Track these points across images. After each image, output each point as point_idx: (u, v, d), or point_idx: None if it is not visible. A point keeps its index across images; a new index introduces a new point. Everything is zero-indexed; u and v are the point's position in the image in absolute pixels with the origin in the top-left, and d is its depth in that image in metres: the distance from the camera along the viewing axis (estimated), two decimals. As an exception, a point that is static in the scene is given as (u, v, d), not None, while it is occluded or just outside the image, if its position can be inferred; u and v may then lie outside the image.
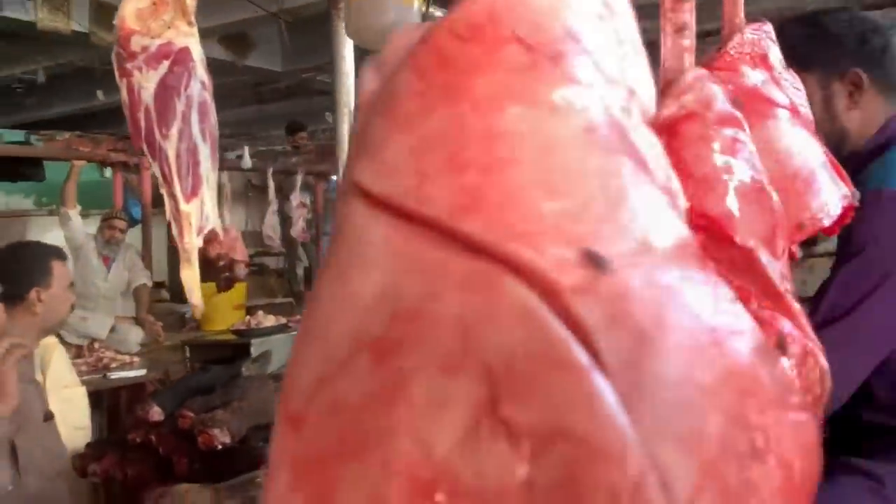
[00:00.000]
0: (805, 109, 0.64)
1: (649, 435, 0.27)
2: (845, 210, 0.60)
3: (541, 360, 0.24)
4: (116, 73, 1.35)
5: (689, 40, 0.49)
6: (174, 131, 1.34)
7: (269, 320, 4.81)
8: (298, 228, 5.35)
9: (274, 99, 6.15)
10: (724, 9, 0.66)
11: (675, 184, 0.32)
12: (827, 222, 0.58)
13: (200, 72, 1.38)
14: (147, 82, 1.38)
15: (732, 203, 0.44)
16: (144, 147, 1.33)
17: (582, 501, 0.24)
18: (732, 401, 0.32)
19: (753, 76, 0.62)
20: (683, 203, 0.33)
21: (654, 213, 0.27)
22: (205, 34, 1.49)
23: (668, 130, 0.47)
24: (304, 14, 3.92)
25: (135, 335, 4.16)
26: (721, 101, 0.46)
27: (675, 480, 0.27)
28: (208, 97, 1.39)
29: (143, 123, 1.32)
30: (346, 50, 1.76)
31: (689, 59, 0.49)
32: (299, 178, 5.39)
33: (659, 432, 0.28)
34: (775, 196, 0.47)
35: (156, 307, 5.08)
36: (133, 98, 1.37)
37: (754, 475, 0.31)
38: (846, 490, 0.98)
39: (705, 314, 0.30)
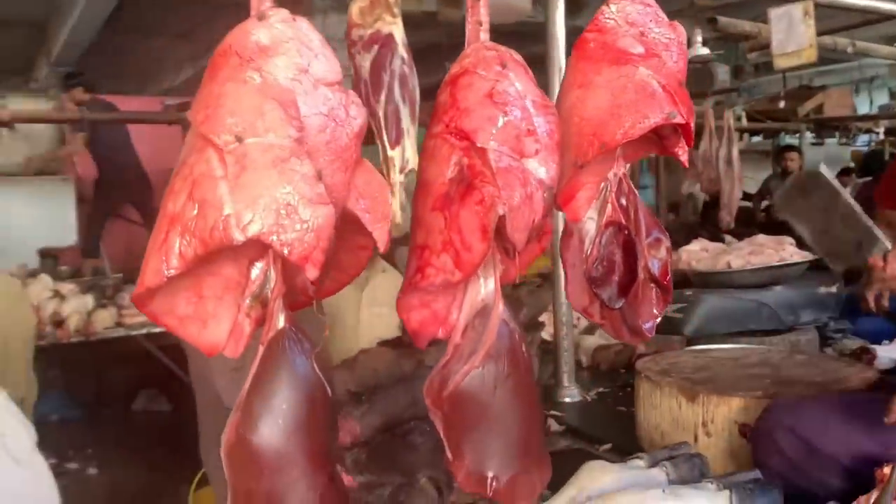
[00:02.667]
0: (665, 53, 0.85)
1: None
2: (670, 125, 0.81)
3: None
4: (348, 57, 1.87)
5: (485, 32, 0.78)
6: (382, 97, 1.82)
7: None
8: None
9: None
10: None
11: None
12: (638, 133, 0.80)
13: (401, 51, 1.83)
14: (364, 62, 1.87)
15: (478, 122, 0.73)
16: (366, 108, 1.83)
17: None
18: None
19: (614, 33, 0.85)
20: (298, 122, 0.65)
21: (272, 121, 0.61)
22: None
23: (451, 81, 0.78)
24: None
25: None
26: (488, 62, 0.75)
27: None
28: (407, 70, 1.84)
29: (363, 92, 1.83)
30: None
31: (484, 37, 0.78)
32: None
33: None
34: (528, 120, 0.74)
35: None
36: (357, 74, 1.88)
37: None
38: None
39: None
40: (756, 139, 9.52)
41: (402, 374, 1.51)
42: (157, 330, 4.13)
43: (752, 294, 2.48)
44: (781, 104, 7.19)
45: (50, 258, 5.52)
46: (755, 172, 8.01)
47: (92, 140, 5.54)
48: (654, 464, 1.22)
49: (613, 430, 1.97)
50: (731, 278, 2.56)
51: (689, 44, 4.22)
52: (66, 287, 4.20)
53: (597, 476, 1.15)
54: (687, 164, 0.87)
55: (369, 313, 2.69)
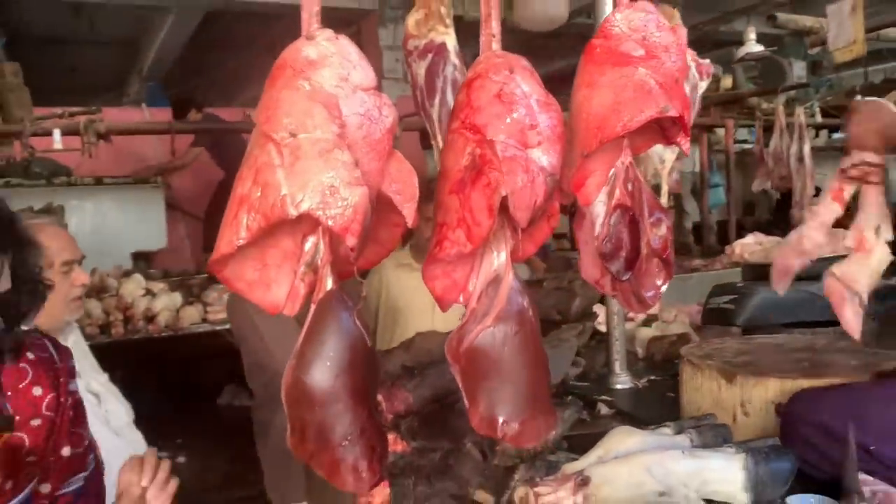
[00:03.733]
0: (664, 55, 0.97)
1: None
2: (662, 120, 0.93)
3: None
4: (405, 65, 2.03)
5: (497, 42, 0.92)
6: (436, 101, 1.98)
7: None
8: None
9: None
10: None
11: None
12: (635, 125, 0.92)
13: (453, 58, 1.98)
14: (419, 69, 2.03)
15: (487, 118, 0.86)
16: (421, 112, 1.98)
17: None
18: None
19: (618, 39, 0.97)
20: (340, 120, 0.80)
21: (319, 120, 0.76)
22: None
23: (467, 84, 0.92)
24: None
25: (521, 272, 5.02)
26: (498, 68, 0.88)
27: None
28: (458, 75, 1.98)
29: (418, 97, 1.98)
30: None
31: (494, 45, 0.92)
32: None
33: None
34: (532, 116, 0.87)
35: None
36: (414, 81, 2.04)
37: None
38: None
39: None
40: (837, 136, 9.26)
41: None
42: (239, 325, 4.39)
43: (804, 285, 2.51)
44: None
45: (142, 260, 5.93)
46: (834, 169, 7.80)
47: (216, 147, 6.07)
48: (680, 431, 1.33)
49: (660, 413, 2.05)
50: (784, 270, 2.59)
51: (743, 41, 4.22)
52: (157, 286, 4.52)
53: (623, 439, 1.26)
54: (688, 153, 0.98)
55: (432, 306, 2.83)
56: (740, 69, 6.25)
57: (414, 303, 2.82)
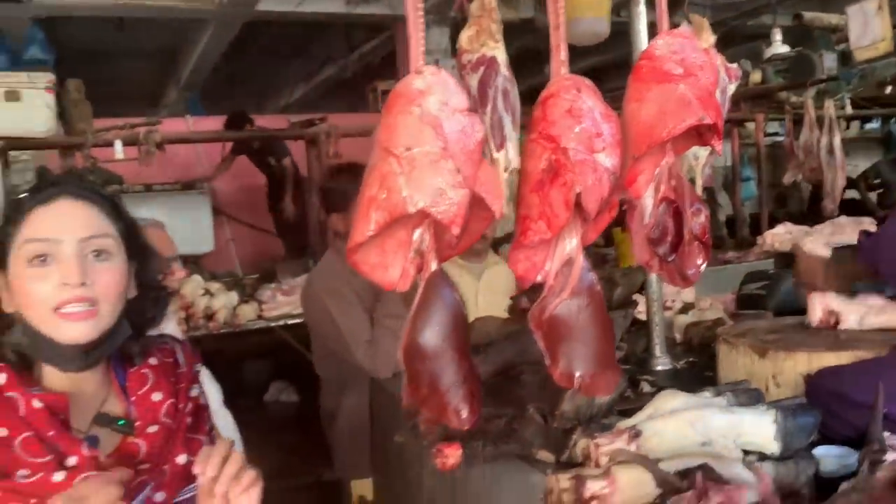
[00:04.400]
0: (700, 73, 1.16)
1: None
2: (699, 126, 1.13)
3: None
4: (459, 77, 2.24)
5: (565, 67, 1.12)
6: (488, 110, 2.19)
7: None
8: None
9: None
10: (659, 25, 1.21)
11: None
12: (677, 132, 1.12)
13: (503, 70, 2.18)
14: (472, 81, 2.23)
15: (561, 130, 1.07)
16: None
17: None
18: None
19: (660, 60, 1.17)
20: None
21: (428, 137, 0.97)
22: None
23: (542, 102, 1.12)
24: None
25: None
26: (567, 88, 1.09)
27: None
28: (508, 85, 2.19)
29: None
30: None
31: (563, 70, 1.12)
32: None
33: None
34: (597, 126, 1.07)
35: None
36: (467, 92, 2.24)
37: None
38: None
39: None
40: (870, 126, 9.29)
41: (509, 333, 1.86)
42: (292, 322, 4.66)
43: (831, 271, 2.68)
44: (888, 90, 7.09)
45: (191, 263, 6.23)
46: (867, 160, 7.88)
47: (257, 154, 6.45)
48: (718, 394, 1.52)
49: (699, 389, 2.23)
50: (812, 257, 2.76)
51: (769, 42, 4.36)
52: (215, 286, 4.79)
53: (669, 400, 1.46)
54: (721, 154, 1.18)
55: (484, 299, 3.06)
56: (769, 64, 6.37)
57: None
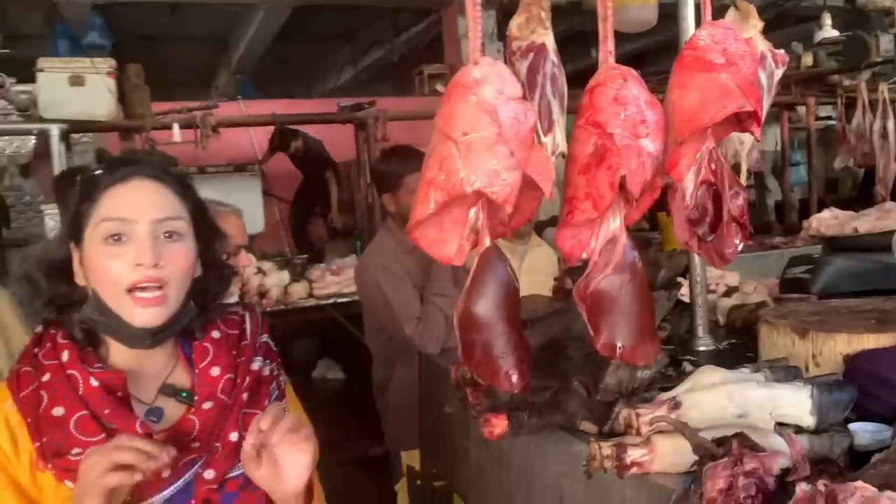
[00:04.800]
0: (741, 62, 1.22)
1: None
2: (739, 113, 1.19)
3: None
4: (508, 63, 2.31)
5: (612, 56, 1.19)
6: (536, 95, 2.26)
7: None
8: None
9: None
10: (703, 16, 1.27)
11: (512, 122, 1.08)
12: (718, 118, 1.18)
13: (552, 56, 2.25)
14: (521, 67, 2.30)
15: (607, 116, 1.14)
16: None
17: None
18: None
19: (703, 50, 1.24)
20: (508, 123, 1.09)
21: (484, 123, 1.05)
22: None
23: (589, 91, 1.20)
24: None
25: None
26: (614, 77, 1.16)
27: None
28: (556, 71, 2.25)
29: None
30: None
31: (610, 60, 1.19)
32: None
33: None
34: (641, 114, 1.14)
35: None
36: (516, 77, 2.31)
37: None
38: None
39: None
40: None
41: (555, 309, 1.94)
42: (342, 300, 4.80)
43: (877, 256, 2.69)
44: (946, 72, 6.91)
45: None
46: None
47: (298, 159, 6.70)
48: (756, 370, 1.59)
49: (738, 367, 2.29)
50: (858, 242, 2.78)
51: (820, 26, 4.30)
52: (267, 265, 4.96)
53: (708, 374, 1.53)
54: (759, 138, 1.24)
55: (528, 279, 3.13)
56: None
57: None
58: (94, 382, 1.16)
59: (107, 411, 1.14)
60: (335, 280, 4.88)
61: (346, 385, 6.87)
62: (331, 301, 4.86)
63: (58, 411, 1.13)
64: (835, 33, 4.28)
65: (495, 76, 1.09)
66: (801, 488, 1.07)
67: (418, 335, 2.55)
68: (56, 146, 4.60)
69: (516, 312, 1.12)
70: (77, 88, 4.58)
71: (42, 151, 5.21)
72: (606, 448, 1.43)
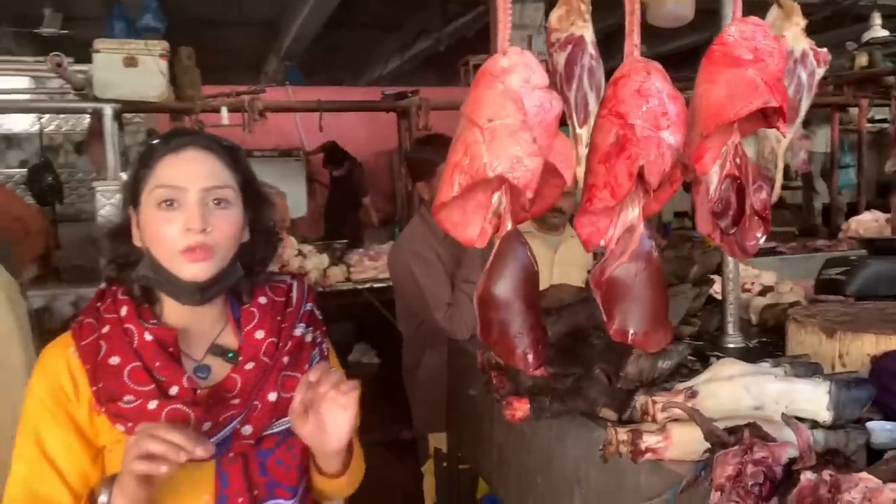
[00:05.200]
0: (769, 59, 1.24)
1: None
2: (766, 109, 1.21)
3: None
4: (547, 54, 2.33)
5: (637, 50, 1.22)
6: (573, 86, 2.28)
7: (758, 243, 5.40)
8: (799, 160, 5.63)
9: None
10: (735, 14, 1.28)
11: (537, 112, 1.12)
12: (744, 113, 1.20)
13: (590, 49, 2.26)
14: (560, 59, 2.32)
15: (629, 108, 1.17)
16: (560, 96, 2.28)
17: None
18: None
19: (732, 45, 1.25)
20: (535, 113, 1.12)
21: (509, 111, 1.09)
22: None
23: (613, 82, 1.23)
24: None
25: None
26: (638, 70, 1.19)
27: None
28: (594, 63, 2.27)
29: (557, 83, 2.29)
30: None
31: (636, 53, 1.22)
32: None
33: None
34: (663, 106, 1.17)
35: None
36: (554, 69, 2.34)
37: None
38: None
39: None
40: None
41: (581, 299, 1.97)
42: (378, 285, 4.88)
43: (916, 259, 2.65)
44: None
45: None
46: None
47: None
48: (776, 365, 1.60)
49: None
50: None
51: (868, 26, 4.20)
52: (307, 247, 5.06)
53: (727, 366, 1.55)
54: (785, 133, 1.25)
55: (559, 270, 3.17)
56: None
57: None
58: (147, 337, 1.26)
59: (158, 364, 1.25)
60: (373, 265, 4.96)
61: (381, 370, 6.96)
62: (367, 286, 4.95)
63: (114, 360, 1.24)
64: (885, 33, 4.18)
65: (522, 65, 1.13)
66: (806, 476, 1.09)
67: (448, 321, 2.60)
68: (109, 125, 4.75)
69: (534, 295, 1.16)
70: (130, 69, 4.71)
71: (96, 130, 5.38)
72: (622, 433, 1.46)
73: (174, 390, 1.24)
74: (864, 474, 1.07)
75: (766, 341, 2.68)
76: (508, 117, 1.10)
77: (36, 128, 6.34)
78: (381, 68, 11.95)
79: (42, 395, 1.24)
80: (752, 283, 3.33)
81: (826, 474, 1.09)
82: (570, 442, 1.83)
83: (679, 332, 2.54)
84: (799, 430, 1.12)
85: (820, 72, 2.40)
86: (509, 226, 1.16)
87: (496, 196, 1.17)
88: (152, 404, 1.21)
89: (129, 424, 1.20)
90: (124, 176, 4.07)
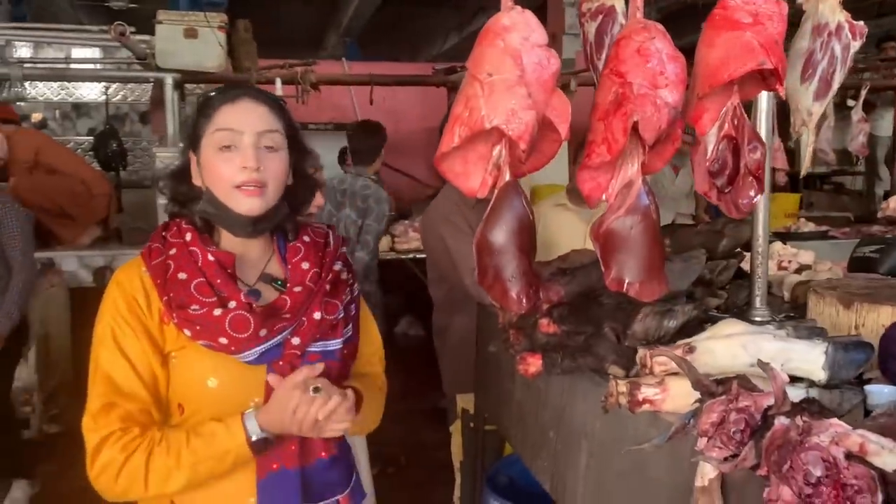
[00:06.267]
0: (767, 23, 1.27)
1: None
2: (763, 72, 1.25)
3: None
4: (579, 24, 2.37)
5: (640, 12, 1.27)
6: (603, 55, 2.32)
7: (808, 226, 5.31)
8: (858, 143, 5.50)
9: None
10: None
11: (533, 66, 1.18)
12: (737, 74, 1.25)
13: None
14: (590, 28, 2.37)
15: (629, 67, 1.22)
16: (590, 66, 2.32)
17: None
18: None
19: (733, 9, 1.29)
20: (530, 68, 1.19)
21: (508, 66, 1.15)
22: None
23: (616, 43, 1.28)
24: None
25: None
26: (639, 31, 1.24)
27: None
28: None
29: (588, 52, 2.34)
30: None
31: (638, 14, 1.27)
32: (862, 93, 5.51)
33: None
34: (662, 65, 1.22)
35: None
36: (585, 38, 2.39)
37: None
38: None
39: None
40: None
41: (595, 260, 2.03)
42: (420, 256, 4.98)
43: (952, 240, 2.61)
44: None
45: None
46: None
47: None
48: (780, 328, 1.64)
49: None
50: (934, 224, 2.69)
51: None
52: (354, 217, 5.18)
53: (729, 325, 1.59)
54: (784, 97, 1.29)
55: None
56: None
57: (566, 235, 3.22)
58: (210, 258, 1.44)
59: (219, 281, 1.42)
60: (416, 236, 5.07)
61: (425, 342, 7.08)
62: (410, 256, 5.06)
63: (182, 276, 1.41)
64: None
65: (523, 24, 1.20)
66: (780, 421, 1.15)
67: (476, 286, 2.67)
68: (170, 94, 4.95)
69: (528, 243, 1.23)
70: (190, 41, 4.89)
71: (158, 99, 5.60)
72: (622, 385, 1.53)
73: (233, 305, 1.41)
74: (834, 420, 1.12)
75: (792, 316, 2.68)
76: (506, 72, 1.17)
77: (103, 97, 6.63)
78: (440, 45, 12.00)
79: (118, 306, 1.40)
80: (790, 262, 3.31)
81: (799, 419, 1.14)
82: (579, 397, 1.91)
83: (706, 304, 2.57)
84: (774, 377, 1.17)
85: (855, 45, 2.39)
86: (507, 177, 1.23)
87: (497, 149, 1.25)
88: (217, 311, 1.38)
89: (197, 328, 1.37)
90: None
